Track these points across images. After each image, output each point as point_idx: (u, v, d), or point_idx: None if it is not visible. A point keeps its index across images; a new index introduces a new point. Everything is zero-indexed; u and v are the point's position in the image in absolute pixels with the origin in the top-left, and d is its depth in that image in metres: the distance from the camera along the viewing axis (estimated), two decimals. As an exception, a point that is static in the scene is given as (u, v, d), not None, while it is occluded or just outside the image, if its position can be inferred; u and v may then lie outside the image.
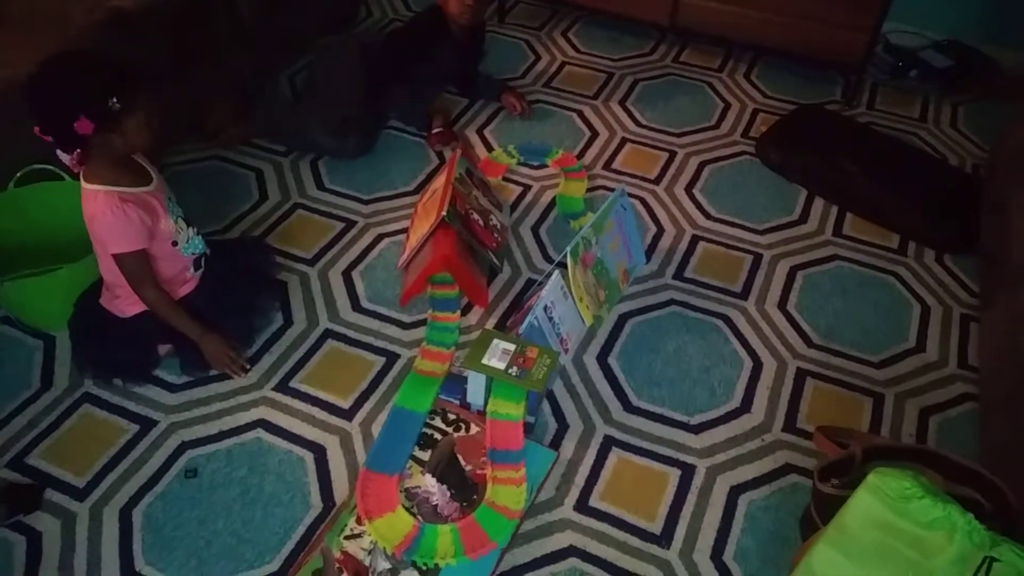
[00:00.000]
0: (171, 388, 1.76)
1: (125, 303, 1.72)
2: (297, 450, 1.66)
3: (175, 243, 1.71)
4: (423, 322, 1.93)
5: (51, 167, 1.85)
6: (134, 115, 1.52)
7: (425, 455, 1.63)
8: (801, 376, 1.85)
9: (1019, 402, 1.52)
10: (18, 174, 1.86)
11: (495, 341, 1.67)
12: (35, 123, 1.50)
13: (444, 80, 2.67)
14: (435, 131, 2.45)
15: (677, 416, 1.76)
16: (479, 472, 1.59)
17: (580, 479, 1.63)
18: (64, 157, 1.55)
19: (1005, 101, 2.57)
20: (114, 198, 1.57)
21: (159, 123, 1.59)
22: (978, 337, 1.92)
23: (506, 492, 1.53)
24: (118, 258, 1.62)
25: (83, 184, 1.59)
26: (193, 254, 1.76)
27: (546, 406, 1.76)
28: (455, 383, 1.75)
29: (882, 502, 1.23)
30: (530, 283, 2.04)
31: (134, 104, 1.51)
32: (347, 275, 2.05)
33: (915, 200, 2.22)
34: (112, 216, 1.57)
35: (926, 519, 1.20)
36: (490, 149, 2.49)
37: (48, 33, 1.90)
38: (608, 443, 1.70)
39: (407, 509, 1.52)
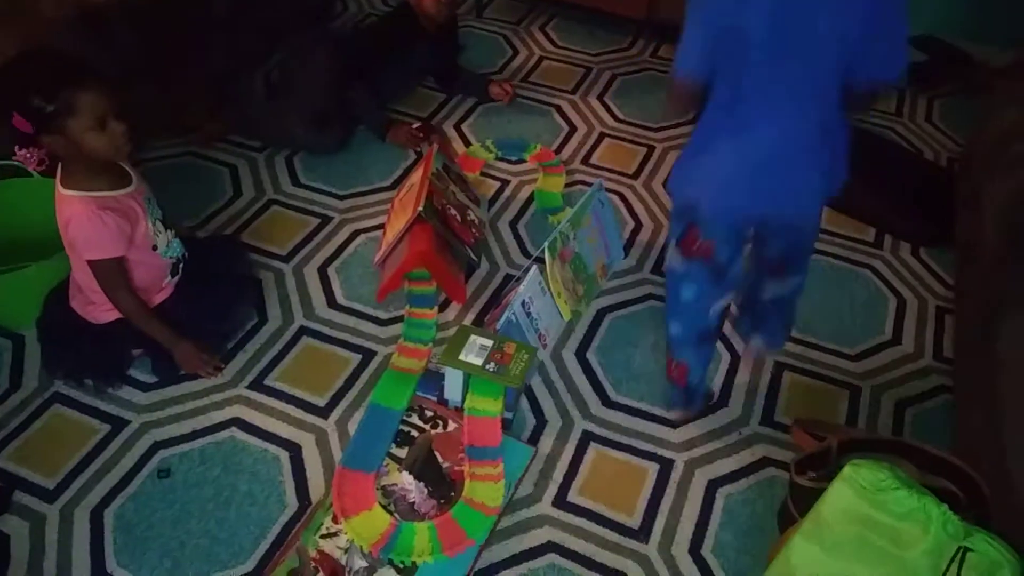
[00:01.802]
0: (143, 387, 1.74)
1: (100, 309, 1.69)
2: (272, 449, 1.64)
3: (155, 247, 1.67)
4: (400, 319, 1.91)
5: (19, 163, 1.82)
6: (76, 118, 1.44)
7: (402, 452, 1.61)
8: (778, 369, 1.85)
9: (992, 393, 1.53)
10: (-15, 171, 1.83)
11: (472, 337, 1.66)
12: None
13: (418, 76, 2.65)
14: (413, 126, 2.44)
15: (655, 411, 1.75)
16: (457, 469, 1.58)
17: (559, 475, 1.63)
18: (24, 155, 1.49)
19: (980, 95, 2.58)
20: (91, 205, 1.53)
21: (125, 128, 1.50)
22: (953, 329, 1.93)
23: (484, 488, 1.52)
24: (93, 264, 1.58)
25: (59, 189, 1.55)
26: (172, 258, 1.73)
27: (524, 402, 1.76)
28: (432, 380, 1.74)
29: (858, 494, 1.23)
30: (508, 278, 2.03)
31: (73, 107, 1.43)
32: (323, 272, 2.03)
33: (891, 194, 2.23)
34: (88, 223, 1.53)
35: (901, 510, 1.20)
36: (468, 144, 2.47)
37: (15, 26, 1.86)
38: (587, 438, 1.69)
39: (384, 507, 1.50)
